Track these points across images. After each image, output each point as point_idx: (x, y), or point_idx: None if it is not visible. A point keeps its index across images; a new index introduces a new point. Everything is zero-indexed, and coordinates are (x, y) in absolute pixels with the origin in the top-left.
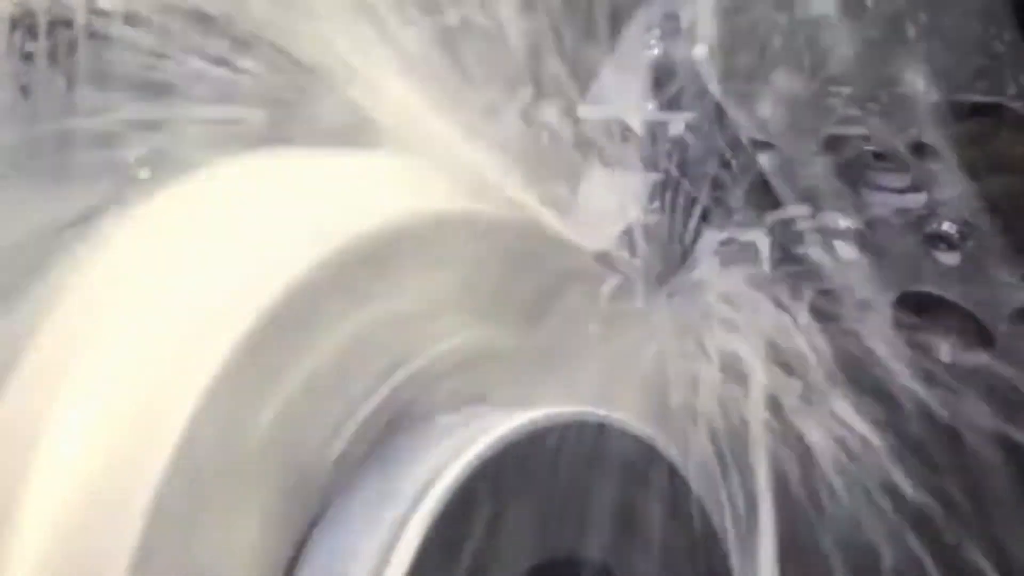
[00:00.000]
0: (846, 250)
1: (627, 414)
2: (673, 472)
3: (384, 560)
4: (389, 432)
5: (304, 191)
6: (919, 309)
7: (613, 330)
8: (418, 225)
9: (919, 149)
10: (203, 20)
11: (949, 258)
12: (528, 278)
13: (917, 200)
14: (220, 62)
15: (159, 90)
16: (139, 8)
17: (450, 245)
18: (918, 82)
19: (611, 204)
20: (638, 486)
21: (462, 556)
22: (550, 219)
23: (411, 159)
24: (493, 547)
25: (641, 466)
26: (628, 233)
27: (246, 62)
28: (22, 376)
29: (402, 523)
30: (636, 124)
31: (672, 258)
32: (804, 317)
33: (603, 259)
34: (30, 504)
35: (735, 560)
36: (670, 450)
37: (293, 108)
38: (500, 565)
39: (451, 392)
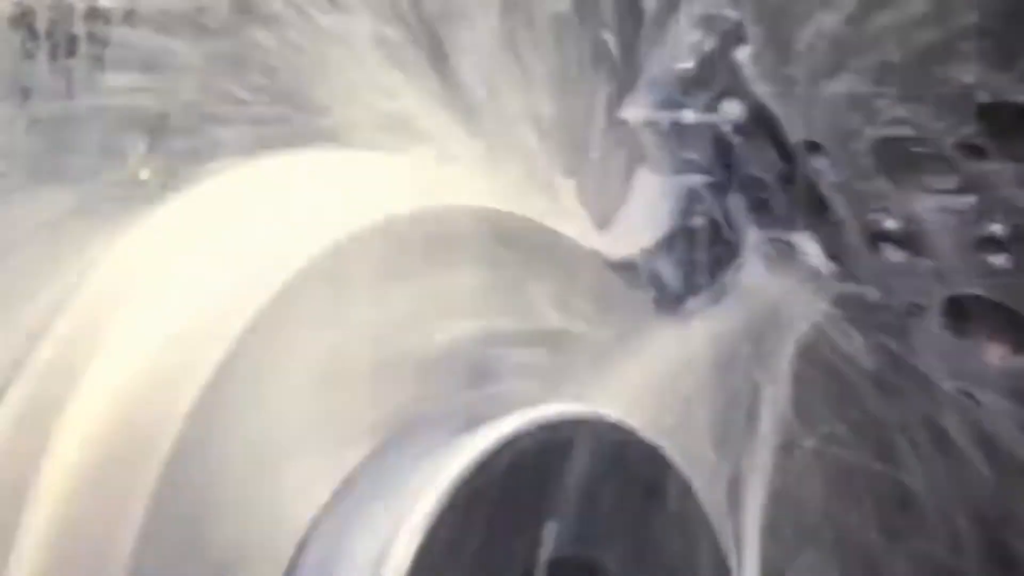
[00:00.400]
0: (894, 252)
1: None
2: (672, 472)
3: (382, 560)
4: (393, 427)
5: (315, 188)
6: (968, 312)
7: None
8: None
9: (968, 150)
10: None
11: (998, 260)
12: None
13: (966, 202)
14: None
15: (160, 90)
16: (139, 8)
17: (455, 241)
18: (967, 82)
19: (654, 207)
20: (638, 487)
21: (461, 557)
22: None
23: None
24: (491, 548)
25: (640, 466)
26: (668, 238)
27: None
28: (28, 375)
29: (399, 524)
30: (681, 125)
31: (718, 260)
32: (851, 320)
33: (625, 266)
34: (36, 498)
35: None
36: (670, 450)
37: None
38: (499, 566)
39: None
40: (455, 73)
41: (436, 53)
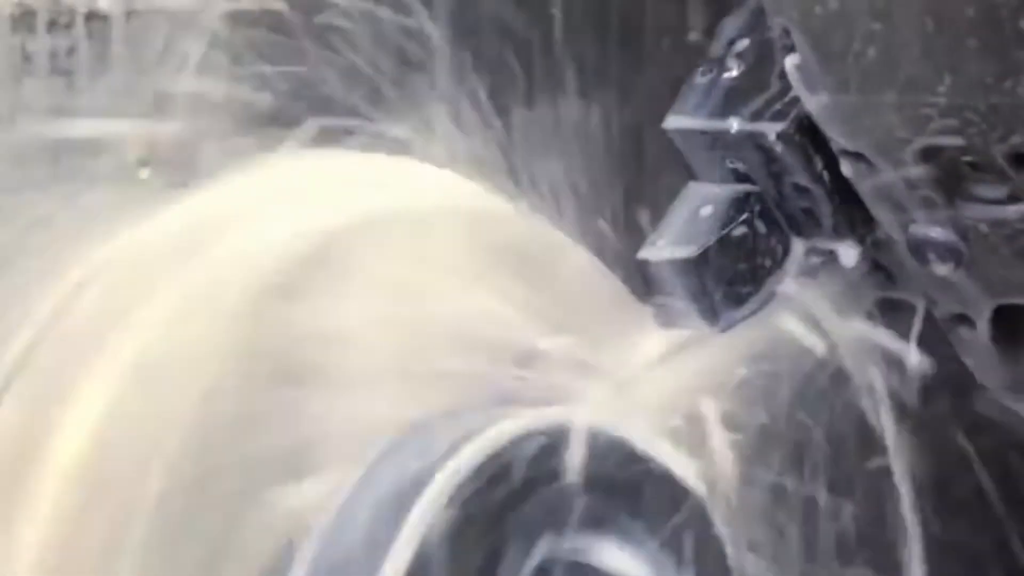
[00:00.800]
0: (939, 263)
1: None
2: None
3: (381, 557)
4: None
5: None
6: (1015, 323)
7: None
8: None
9: (1018, 159)
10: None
11: None
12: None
13: (1014, 211)
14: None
15: (160, 90)
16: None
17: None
18: (1017, 91)
19: (697, 216)
20: (631, 488)
21: (458, 557)
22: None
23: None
24: (487, 549)
25: (633, 469)
26: (711, 247)
27: None
28: (27, 378)
29: (396, 524)
30: (727, 134)
31: (761, 270)
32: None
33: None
34: (34, 502)
35: None
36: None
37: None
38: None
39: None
40: None
41: None
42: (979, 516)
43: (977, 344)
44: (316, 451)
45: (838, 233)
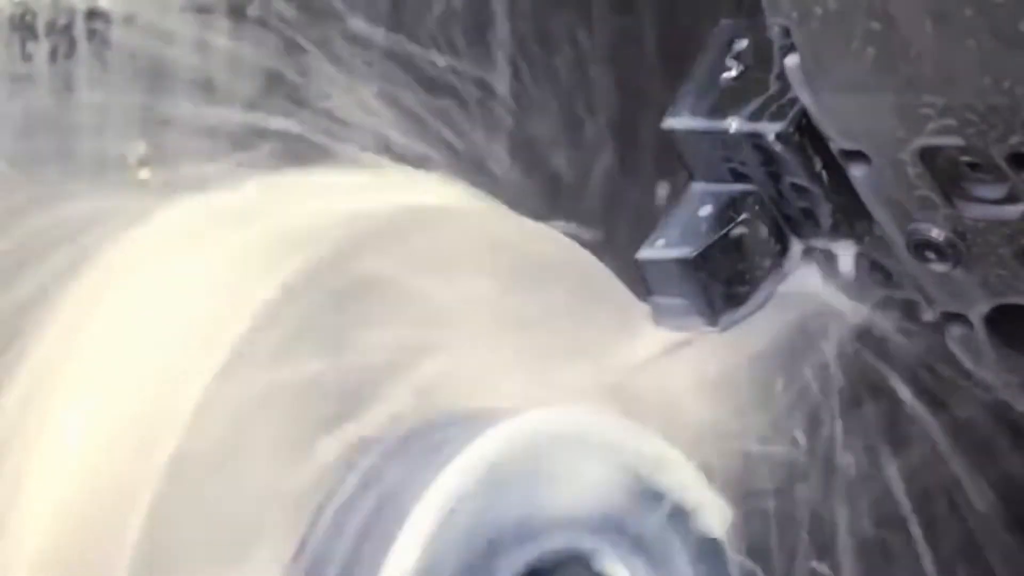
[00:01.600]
0: (938, 262)
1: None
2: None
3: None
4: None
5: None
6: (1013, 322)
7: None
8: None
9: (1017, 159)
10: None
11: None
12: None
13: (1013, 211)
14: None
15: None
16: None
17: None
18: (1016, 91)
19: (696, 216)
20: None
21: (461, 553)
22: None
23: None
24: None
25: (636, 462)
26: (710, 247)
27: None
28: (22, 377)
29: (400, 522)
30: (726, 134)
31: (760, 270)
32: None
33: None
34: (31, 501)
35: None
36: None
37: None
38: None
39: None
40: None
41: None
42: None
43: (975, 343)
44: None
45: (837, 233)
